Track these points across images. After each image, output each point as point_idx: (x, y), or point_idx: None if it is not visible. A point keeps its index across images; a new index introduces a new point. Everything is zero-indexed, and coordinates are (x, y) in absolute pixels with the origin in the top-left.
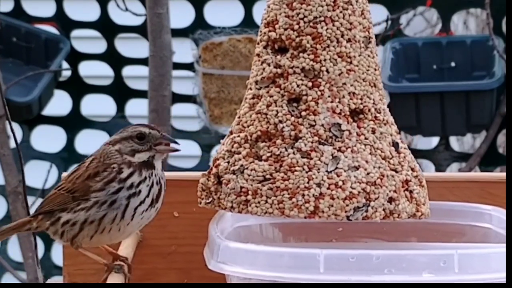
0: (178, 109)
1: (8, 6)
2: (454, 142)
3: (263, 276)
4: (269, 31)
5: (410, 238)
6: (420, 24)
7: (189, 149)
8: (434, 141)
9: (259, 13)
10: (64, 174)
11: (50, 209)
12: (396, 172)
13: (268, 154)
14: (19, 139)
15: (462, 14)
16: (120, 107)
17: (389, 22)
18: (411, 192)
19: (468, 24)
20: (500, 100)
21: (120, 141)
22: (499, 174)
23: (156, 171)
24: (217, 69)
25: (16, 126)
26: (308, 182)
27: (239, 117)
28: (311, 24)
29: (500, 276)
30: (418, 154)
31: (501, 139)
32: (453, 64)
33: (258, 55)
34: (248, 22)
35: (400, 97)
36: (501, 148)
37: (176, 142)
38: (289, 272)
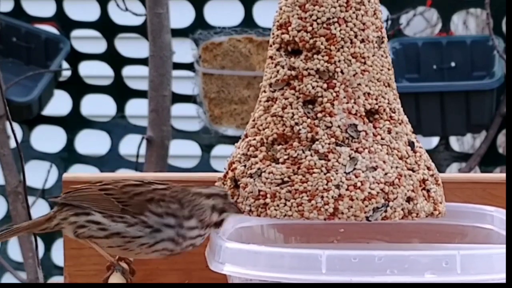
0: (178, 109)
1: (8, 6)
2: (454, 142)
3: (264, 276)
4: (282, 33)
5: (412, 239)
6: (420, 24)
7: (189, 149)
8: (434, 141)
9: (259, 13)
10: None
11: (87, 206)
12: (413, 171)
13: (285, 157)
14: (19, 139)
15: (462, 14)
16: (120, 107)
17: (389, 22)
18: (428, 191)
19: (468, 24)
20: (500, 100)
21: (215, 195)
22: (501, 175)
23: (213, 232)
24: (217, 69)
25: (16, 126)
26: (326, 184)
27: (253, 120)
28: (324, 25)
29: (503, 277)
30: None
31: (501, 139)
32: (453, 64)
33: (271, 57)
34: (248, 22)
35: (400, 97)
36: (501, 148)
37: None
38: (291, 272)
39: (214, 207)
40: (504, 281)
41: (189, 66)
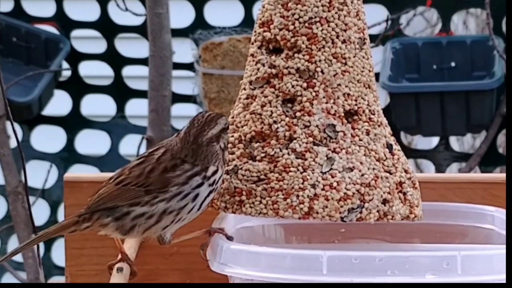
0: (178, 109)
1: (8, 6)
2: (454, 142)
3: (265, 277)
4: (264, 31)
5: (413, 239)
6: (420, 24)
7: None
8: (434, 141)
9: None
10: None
11: (113, 206)
12: (390, 173)
13: (263, 155)
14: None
15: (462, 14)
16: (120, 107)
17: (389, 22)
18: (404, 194)
19: (468, 24)
20: (500, 100)
21: (220, 135)
22: (501, 175)
23: (225, 164)
24: (217, 69)
25: (16, 126)
26: (302, 183)
27: (233, 117)
28: (306, 24)
29: (503, 278)
30: (418, 154)
31: (501, 139)
32: (453, 64)
33: (252, 55)
34: (248, 22)
35: (400, 97)
36: (501, 148)
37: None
38: (292, 273)
39: (223, 148)
40: (504, 281)
41: (189, 66)
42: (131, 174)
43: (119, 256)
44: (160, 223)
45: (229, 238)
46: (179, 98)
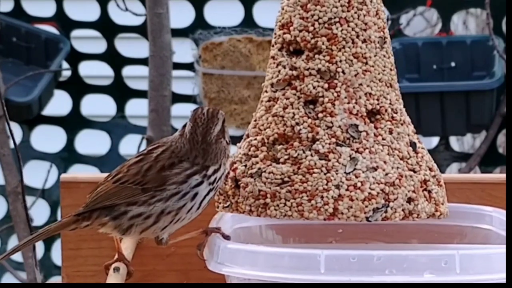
0: (178, 109)
1: (8, 6)
2: (454, 142)
3: (263, 276)
4: (284, 33)
5: (411, 240)
6: (420, 24)
7: None
8: (434, 141)
9: (259, 13)
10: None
11: (111, 204)
12: (414, 172)
13: (286, 157)
14: (19, 139)
15: (462, 14)
16: (120, 107)
17: (389, 22)
18: (429, 191)
19: (468, 24)
20: (500, 100)
21: (223, 129)
22: (500, 176)
23: (228, 162)
24: (217, 69)
25: (16, 126)
26: (326, 184)
27: (255, 120)
28: (326, 25)
29: (502, 277)
30: None
31: (501, 139)
32: (453, 64)
33: (273, 57)
34: (248, 22)
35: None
36: (501, 148)
37: None
38: (290, 272)
39: (228, 142)
40: (503, 281)
41: (189, 66)
42: (128, 172)
43: (116, 256)
44: (158, 224)
45: (226, 237)
46: (179, 98)
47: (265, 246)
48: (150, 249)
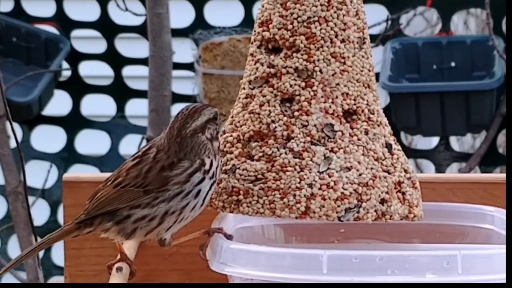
0: (178, 109)
1: (8, 6)
2: (454, 142)
3: (265, 277)
4: (263, 30)
5: (413, 239)
6: (420, 24)
7: None
8: (434, 141)
9: None
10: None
11: (113, 209)
12: (389, 173)
13: (260, 154)
14: (19, 139)
15: (462, 14)
16: (120, 107)
17: (389, 22)
18: (403, 193)
19: (468, 24)
20: (500, 100)
21: (206, 126)
22: (501, 175)
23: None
24: (217, 69)
25: (16, 126)
26: (299, 183)
27: (232, 117)
28: (305, 24)
29: (503, 277)
30: (418, 154)
31: (501, 139)
32: (453, 64)
33: (251, 54)
34: (248, 22)
35: (400, 97)
36: (501, 148)
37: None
38: (292, 273)
39: (211, 138)
40: (504, 281)
41: (189, 66)
42: (128, 176)
43: (119, 256)
44: (163, 225)
45: (229, 237)
46: (179, 98)
47: (267, 246)
48: (153, 249)
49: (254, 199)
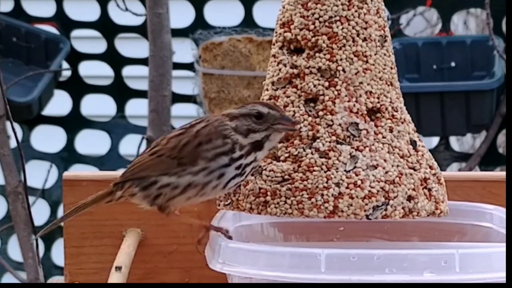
0: (178, 109)
1: (8, 6)
2: (454, 142)
3: (264, 275)
4: (285, 31)
5: (412, 238)
6: (420, 24)
7: None
8: (434, 141)
9: (259, 13)
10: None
11: (146, 175)
12: (415, 170)
13: (286, 155)
14: (19, 139)
15: (462, 14)
16: (120, 107)
17: (389, 22)
18: (429, 190)
19: (468, 24)
20: (500, 100)
21: (239, 117)
22: (501, 174)
23: (262, 153)
24: (217, 69)
25: (16, 126)
26: (326, 182)
27: None
28: (326, 23)
29: (501, 276)
30: None
31: (501, 139)
32: (453, 64)
33: (274, 56)
34: (248, 22)
35: None
36: (501, 148)
37: (296, 123)
38: (290, 271)
39: (236, 129)
40: (503, 280)
41: (189, 66)
42: (167, 145)
43: (204, 230)
44: (184, 195)
45: (229, 237)
46: (179, 98)
47: (266, 245)
48: (152, 247)
49: (282, 200)
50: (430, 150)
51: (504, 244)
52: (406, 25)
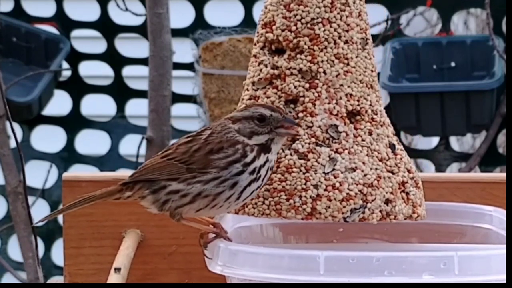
0: (178, 109)
1: (8, 6)
2: (454, 142)
3: (263, 277)
4: (266, 32)
5: (411, 239)
6: (420, 24)
7: None
8: (434, 141)
9: (259, 13)
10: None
11: (154, 178)
12: (393, 173)
13: None
14: (19, 139)
15: (462, 14)
16: (120, 107)
17: (389, 22)
18: (407, 193)
19: (468, 24)
20: (500, 100)
21: (241, 120)
22: (501, 175)
23: (272, 155)
24: (217, 69)
25: (16, 126)
26: (305, 184)
27: None
28: (308, 25)
29: (500, 278)
30: (418, 154)
31: (501, 139)
32: (453, 64)
33: (255, 56)
34: (248, 22)
35: (400, 97)
36: (501, 148)
37: (298, 125)
38: (289, 273)
39: (239, 131)
40: (502, 281)
41: (189, 66)
42: (177, 150)
43: (212, 232)
44: (193, 204)
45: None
46: (179, 98)
47: (265, 246)
48: (152, 248)
49: (259, 200)
50: (430, 150)
51: (504, 246)
52: (406, 25)
